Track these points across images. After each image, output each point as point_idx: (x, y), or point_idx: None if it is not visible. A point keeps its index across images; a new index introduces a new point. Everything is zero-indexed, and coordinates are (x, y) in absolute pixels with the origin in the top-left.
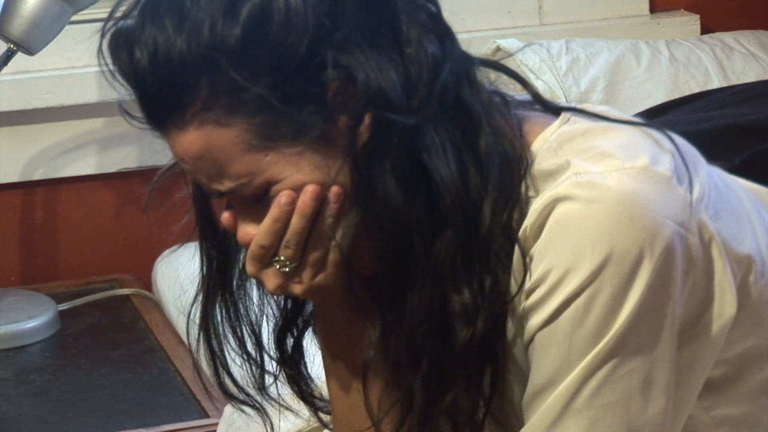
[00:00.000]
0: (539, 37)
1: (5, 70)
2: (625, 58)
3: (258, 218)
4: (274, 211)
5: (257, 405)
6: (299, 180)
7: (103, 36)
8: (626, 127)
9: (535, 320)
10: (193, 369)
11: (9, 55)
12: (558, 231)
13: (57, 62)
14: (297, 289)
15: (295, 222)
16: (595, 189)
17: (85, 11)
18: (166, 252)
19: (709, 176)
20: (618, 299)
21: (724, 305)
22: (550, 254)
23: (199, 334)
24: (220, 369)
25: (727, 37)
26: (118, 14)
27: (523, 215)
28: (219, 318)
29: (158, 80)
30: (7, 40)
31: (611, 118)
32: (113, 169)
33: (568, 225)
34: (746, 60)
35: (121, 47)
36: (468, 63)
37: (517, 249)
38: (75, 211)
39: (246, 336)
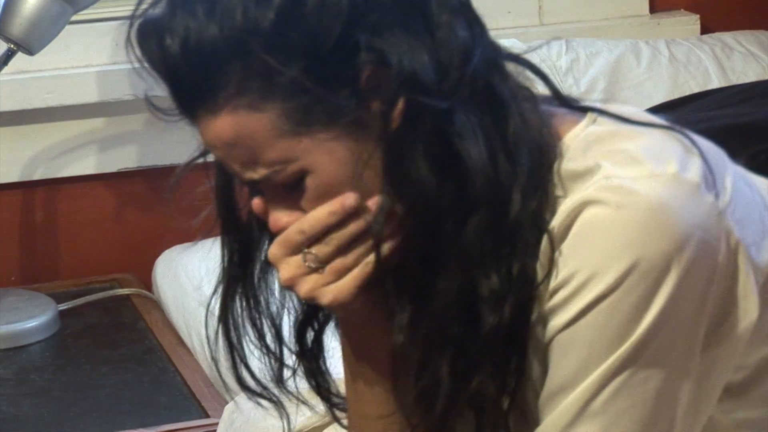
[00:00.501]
0: (539, 37)
1: (5, 70)
2: (625, 58)
3: (291, 205)
4: (335, 206)
5: (274, 398)
6: (333, 171)
7: (130, 27)
8: (653, 130)
9: (557, 321)
10: (192, 369)
11: (9, 55)
12: (586, 234)
13: (57, 62)
14: (306, 286)
15: (353, 227)
16: (626, 195)
17: (85, 11)
18: (166, 252)
19: (735, 180)
20: (641, 307)
21: (747, 310)
22: (576, 257)
23: (218, 327)
24: (238, 362)
25: (727, 37)
26: (144, 6)
27: (551, 214)
28: (239, 310)
29: (190, 66)
30: (7, 40)
31: (637, 121)
32: (113, 169)
33: (597, 229)
34: (746, 60)
35: (151, 36)
36: (497, 53)
37: (545, 240)
38: (75, 211)
39: (266, 329)
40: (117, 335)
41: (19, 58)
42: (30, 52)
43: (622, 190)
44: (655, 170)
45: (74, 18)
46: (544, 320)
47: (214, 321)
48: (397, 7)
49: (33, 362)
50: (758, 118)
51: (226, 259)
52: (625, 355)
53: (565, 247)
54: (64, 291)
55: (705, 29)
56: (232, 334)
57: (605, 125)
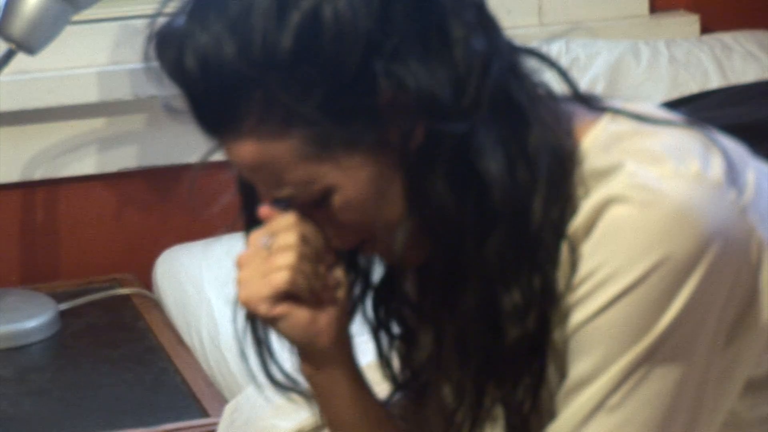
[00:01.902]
0: (539, 37)
1: (5, 70)
2: (624, 58)
3: (318, 221)
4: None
5: (305, 392)
6: (356, 189)
7: (151, 27)
8: (673, 127)
9: (578, 316)
10: (192, 369)
11: (9, 55)
12: (609, 232)
13: (57, 62)
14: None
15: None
16: (650, 193)
17: (85, 11)
18: (166, 252)
19: (757, 175)
20: (662, 304)
21: None
22: (599, 254)
23: (246, 324)
24: (267, 357)
25: (727, 37)
26: (165, 8)
27: (572, 214)
28: None
29: (210, 91)
30: (8, 40)
31: (656, 119)
32: (113, 169)
33: (621, 227)
34: (746, 60)
35: (169, 48)
36: (513, 55)
37: (565, 246)
38: (75, 211)
39: None
40: (117, 335)
41: (20, 58)
42: (30, 52)
43: (647, 188)
44: (678, 169)
45: (74, 18)
46: (563, 316)
47: (241, 318)
48: (414, 28)
49: (33, 362)
50: (758, 118)
51: None
52: (645, 350)
53: (588, 244)
54: (64, 291)
55: (705, 29)
56: (260, 330)
57: (625, 123)
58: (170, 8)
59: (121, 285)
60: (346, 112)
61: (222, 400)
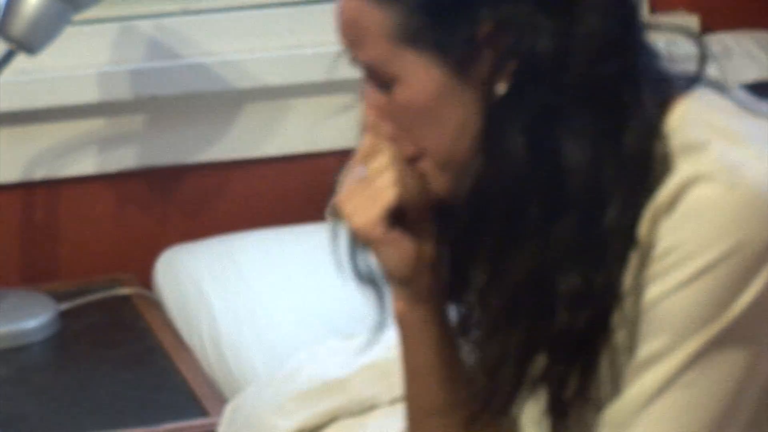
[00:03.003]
0: None
1: (5, 70)
2: None
3: (382, 110)
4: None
5: (381, 289)
6: (418, 93)
7: None
8: (755, 112)
9: (652, 293)
10: (193, 369)
11: (9, 55)
12: (692, 211)
13: (57, 62)
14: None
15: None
16: (736, 174)
17: (85, 11)
18: (166, 252)
19: None
20: (739, 287)
21: None
22: (680, 231)
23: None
24: (356, 248)
25: (727, 37)
26: None
27: (654, 189)
28: None
29: None
30: (8, 40)
31: (741, 104)
32: (113, 169)
33: (704, 207)
34: (746, 60)
35: None
36: (635, 36)
37: (636, 255)
38: (75, 211)
39: None
40: (117, 335)
41: (20, 58)
42: (30, 52)
43: (733, 169)
44: (763, 152)
45: (74, 18)
46: (635, 291)
47: None
48: None
49: (33, 362)
50: None
51: None
52: (717, 333)
53: (670, 221)
54: (64, 291)
55: (705, 29)
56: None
57: (713, 102)
58: (170, 8)
59: (121, 285)
60: (447, 22)
61: (222, 400)
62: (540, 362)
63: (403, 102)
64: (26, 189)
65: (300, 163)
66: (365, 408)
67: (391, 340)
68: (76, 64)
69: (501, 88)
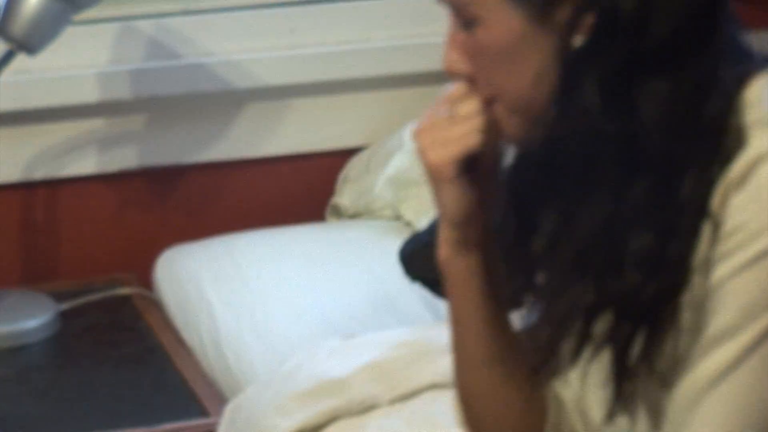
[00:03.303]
0: None
1: (5, 70)
2: None
3: (460, 40)
4: None
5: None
6: (499, 35)
7: None
8: None
9: (722, 270)
10: (193, 369)
11: (9, 55)
12: (761, 188)
13: (57, 62)
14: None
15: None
16: None
17: (85, 11)
18: (166, 252)
19: None
20: None
21: None
22: (750, 208)
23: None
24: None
25: None
26: None
27: (726, 163)
28: None
29: None
30: (8, 40)
31: None
32: (113, 169)
33: None
34: None
35: None
36: (720, 8)
37: (708, 228)
38: (75, 211)
39: None
40: (117, 335)
41: (20, 58)
42: (30, 52)
43: None
44: None
45: (75, 18)
46: (705, 268)
47: None
48: None
49: (33, 362)
50: None
51: None
52: None
53: (740, 197)
54: (64, 291)
55: None
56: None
57: None
58: (170, 8)
59: (121, 285)
60: None
61: (222, 400)
62: (605, 324)
63: (483, 43)
64: (26, 189)
65: (300, 163)
66: (365, 408)
67: (391, 340)
68: (76, 64)
69: (578, 40)
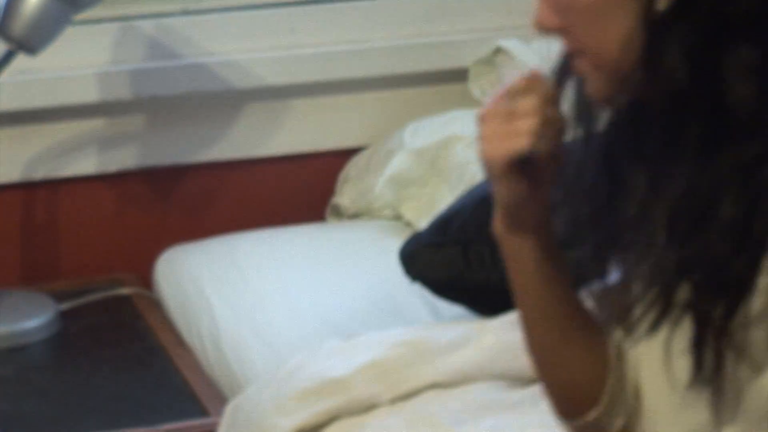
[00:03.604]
0: (539, 36)
1: (5, 70)
2: None
3: (551, 4)
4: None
5: None
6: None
7: None
8: None
9: None
10: (193, 369)
11: (9, 55)
12: None
13: (57, 62)
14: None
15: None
16: None
17: (85, 11)
18: (166, 252)
19: None
20: None
21: None
22: None
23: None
24: None
25: None
26: None
27: None
28: None
29: None
30: (8, 40)
31: None
32: (113, 169)
33: None
34: None
35: None
36: None
37: None
38: (75, 210)
39: None
40: (117, 335)
41: (20, 58)
42: (30, 52)
43: None
44: None
45: (75, 18)
46: None
47: None
48: None
49: (33, 362)
50: None
51: None
52: None
53: None
54: (64, 291)
55: None
56: None
57: None
58: (170, 8)
59: (121, 285)
60: None
61: (222, 400)
62: (687, 293)
63: (576, 4)
64: (26, 189)
65: (300, 163)
66: (366, 407)
67: (391, 340)
68: (76, 64)
69: (662, 3)
